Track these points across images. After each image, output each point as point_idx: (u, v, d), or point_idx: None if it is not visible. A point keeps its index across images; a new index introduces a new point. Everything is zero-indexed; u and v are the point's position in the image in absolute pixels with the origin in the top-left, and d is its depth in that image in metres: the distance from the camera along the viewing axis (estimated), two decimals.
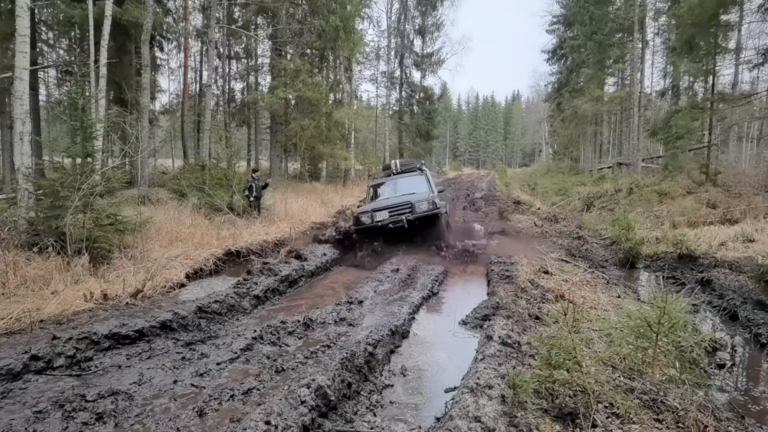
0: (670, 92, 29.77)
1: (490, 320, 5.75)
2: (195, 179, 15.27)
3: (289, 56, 24.87)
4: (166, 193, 16.89)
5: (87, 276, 7.56)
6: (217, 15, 22.36)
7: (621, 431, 3.20)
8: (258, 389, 4.00)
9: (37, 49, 20.90)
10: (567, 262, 9.68)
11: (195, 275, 8.91)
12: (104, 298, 6.73)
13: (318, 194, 21.57)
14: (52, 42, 24.07)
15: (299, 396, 3.57)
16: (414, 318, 6.41)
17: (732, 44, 21.33)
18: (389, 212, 10.89)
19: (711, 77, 20.04)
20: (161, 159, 37.73)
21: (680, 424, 3.28)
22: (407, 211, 10.77)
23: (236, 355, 4.87)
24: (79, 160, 8.88)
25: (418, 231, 10.96)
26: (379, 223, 10.81)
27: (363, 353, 4.61)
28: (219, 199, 13.61)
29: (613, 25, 28.28)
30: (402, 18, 36.74)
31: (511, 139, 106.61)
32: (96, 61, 14.68)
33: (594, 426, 3.25)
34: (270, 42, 27.03)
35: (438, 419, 3.68)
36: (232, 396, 3.87)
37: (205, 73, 27.60)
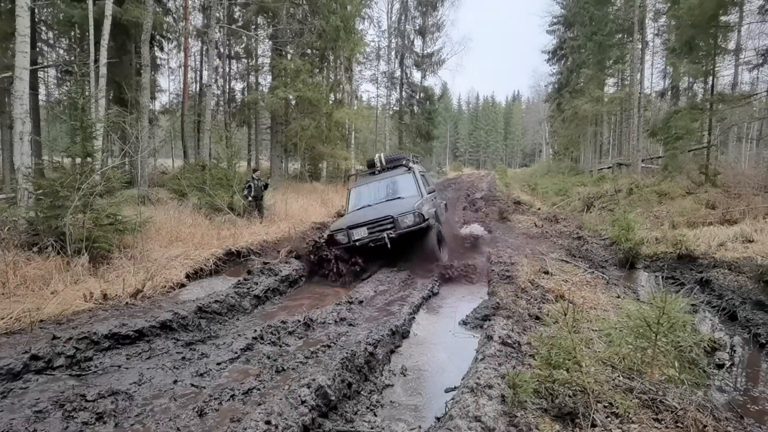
0: (669, 93, 29.82)
1: (490, 320, 5.75)
2: (195, 179, 15.30)
3: (289, 56, 24.89)
4: (166, 193, 16.91)
5: (87, 276, 7.57)
6: (217, 15, 22.38)
7: (620, 431, 3.20)
8: (258, 389, 4.01)
9: (37, 49, 20.91)
10: (567, 262, 9.68)
11: (195, 275, 8.91)
12: (104, 298, 6.74)
13: (318, 194, 21.58)
14: (52, 42, 24.09)
15: (299, 396, 3.57)
16: (414, 318, 6.41)
17: (732, 45, 21.34)
18: (368, 229, 9.18)
19: (710, 78, 20.03)
20: (161, 159, 37.81)
21: (679, 424, 3.29)
22: (389, 226, 9.07)
23: (236, 355, 4.87)
24: (78, 160, 8.90)
25: (404, 248, 9.30)
26: (357, 243, 9.15)
27: (363, 353, 4.61)
28: (219, 199, 13.62)
29: (613, 25, 28.33)
30: (402, 18, 36.81)
31: (511, 139, 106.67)
32: (96, 60, 14.69)
33: (593, 425, 3.25)
34: (270, 42, 27.07)
35: (438, 419, 3.69)
36: (232, 396, 3.87)
37: (205, 73, 27.63)
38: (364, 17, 30.96)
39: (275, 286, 8.10)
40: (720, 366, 5.06)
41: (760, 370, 5.20)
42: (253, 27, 27.94)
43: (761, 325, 5.94)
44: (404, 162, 11.45)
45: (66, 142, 9.19)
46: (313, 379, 3.81)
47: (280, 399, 3.52)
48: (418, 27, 37.72)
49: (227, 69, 30.64)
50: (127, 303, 6.68)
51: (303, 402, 3.52)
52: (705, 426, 3.24)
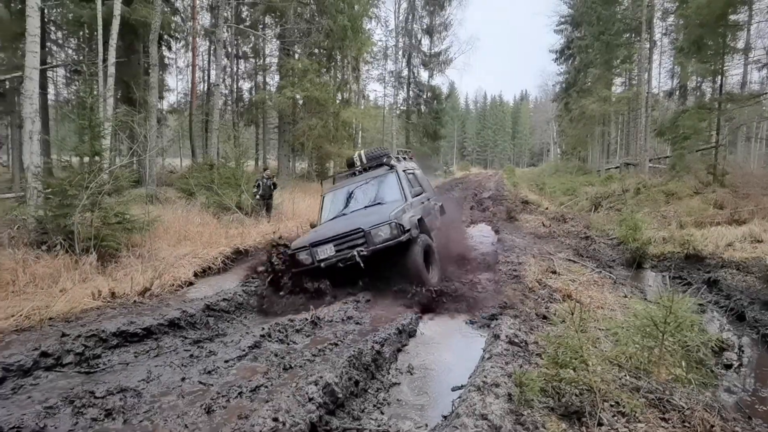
0: (677, 92, 29.66)
1: (497, 319, 5.75)
2: (203, 178, 15.38)
3: (297, 56, 24.98)
4: (175, 192, 17.01)
5: (95, 274, 7.64)
6: (225, 14, 22.44)
7: (627, 430, 3.19)
8: (266, 386, 4.01)
9: (47, 49, 21.07)
10: (574, 262, 9.65)
11: (203, 273, 8.97)
12: (112, 296, 6.79)
13: None
14: (61, 42, 24.29)
15: (307, 393, 3.58)
16: (421, 317, 6.41)
17: (741, 44, 21.16)
18: (335, 245, 7.12)
19: (719, 77, 19.90)
20: (169, 158, 38.04)
21: (686, 424, 3.27)
22: (360, 242, 7.01)
23: (244, 352, 4.88)
24: (87, 159, 8.96)
25: (381, 266, 7.22)
26: (323, 263, 7.09)
27: (370, 351, 4.62)
28: (227, 198, 13.68)
29: (621, 25, 28.20)
30: (410, 18, 36.88)
31: (519, 138, 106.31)
32: (104, 60, 14.80)
33: (600, 424, 3.25)
34: (278, 41, 27.16)
35: (445, 417, 3.69)
36: (239, 393, 3.88)
37: (213, 73, 27.79)
38: (371, 17, 31.00)
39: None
40: (728, 366, 5.04)
41: None
42: (261, 26, 28.05)
43: None
44: (385, 160, 9.12)
45: (74, 141, 9.27)
46: (321, 377, 3.82)
47: (288, 396, 3.53)
48: (425, 26, 37.77)
49: (235, 68, 30.78)
50: (135, 301, 6.73)
51: (310, 399, 3.53)
52: (712, 426, 3.22)
